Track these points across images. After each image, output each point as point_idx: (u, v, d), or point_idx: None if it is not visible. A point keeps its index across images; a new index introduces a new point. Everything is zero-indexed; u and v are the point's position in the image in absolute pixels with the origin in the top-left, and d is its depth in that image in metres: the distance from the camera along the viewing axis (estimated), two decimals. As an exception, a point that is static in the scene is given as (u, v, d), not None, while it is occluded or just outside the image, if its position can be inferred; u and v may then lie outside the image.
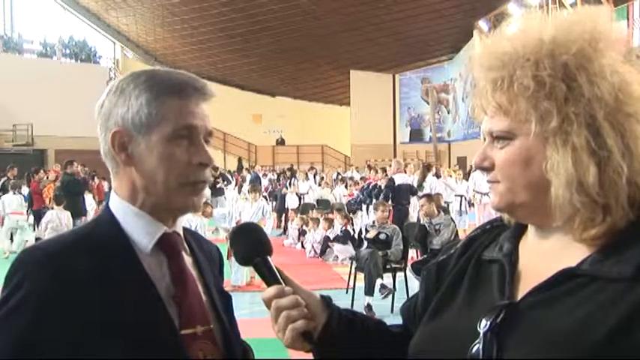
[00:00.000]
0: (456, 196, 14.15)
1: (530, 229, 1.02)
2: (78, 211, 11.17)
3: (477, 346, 0.90)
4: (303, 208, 14.62)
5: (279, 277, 1.09)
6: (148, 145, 1.08)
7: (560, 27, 0.95)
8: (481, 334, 0.91)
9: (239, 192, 17.26)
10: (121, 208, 1.12)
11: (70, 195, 10.91)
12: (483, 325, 0.91)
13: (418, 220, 9.88)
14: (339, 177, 21.07)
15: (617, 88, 0.91)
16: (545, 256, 0.96)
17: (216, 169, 15.93)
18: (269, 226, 9.94)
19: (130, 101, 1.09)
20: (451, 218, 8.65)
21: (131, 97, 1.09)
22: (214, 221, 10.76)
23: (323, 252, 11.53)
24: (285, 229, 14.66)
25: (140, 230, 1.10)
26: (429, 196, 8.70)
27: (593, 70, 0.91)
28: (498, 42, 0.99)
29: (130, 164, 1.10)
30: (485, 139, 1.01)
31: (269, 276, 1.10)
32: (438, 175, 14.75)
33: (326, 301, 1.12)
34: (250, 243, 1.14)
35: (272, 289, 1.07)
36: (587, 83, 0.91)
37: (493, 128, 0.97)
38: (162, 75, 1.13)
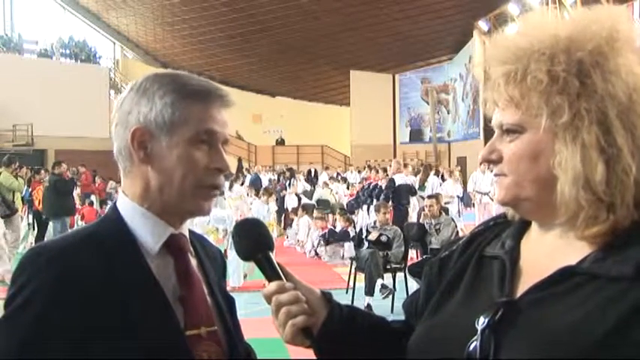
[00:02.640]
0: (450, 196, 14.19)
1: (534, 226, 1.02)
2: (67, 210, 11.17)
3: (475, 344, 0.90)
4: (303, 208, 14.60)
5: (280, 272, 1.09)
6: (168, 145, 1.09)
7: (578, 24, 0.95)
8: (478, 332, 0.90)
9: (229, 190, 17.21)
10: (129, 208, 1.12)
11: (59, 194, 10.92)
12: (481, 322, 0.91)
13: (418, 220, 9.87)
14: (339, 177, 21.07)
15: (631, 88, 0.90)
16: (546, 253, 0.96)
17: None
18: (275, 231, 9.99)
19: (154, 100, 1.10)
20: (452, 218, 8.64)
21: (155, 97, 1.10)
22: (213, 221, 10.78)
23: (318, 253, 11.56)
24: (285, 230, 14.65)
25: (147, 231, 1.10)
26: (437, 196, 8.67)
27: (609, 69, 0.91)
28: (512, 36, 0.99)
29: (147, 163, 1.10)
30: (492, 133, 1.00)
31: (270, 272, 1.10)
32: (443, 177, 14.74)
33: (326, 297, 1.12)
34: (252, 238, 1.14)
35: (273, 285, 1.07)
36: (601, 80, 0.90)
37: (503, 121, 0.97)
38: (188, 79, 1.14)
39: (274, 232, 9.63)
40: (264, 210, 9.46)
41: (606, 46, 0.92)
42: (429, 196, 8.68)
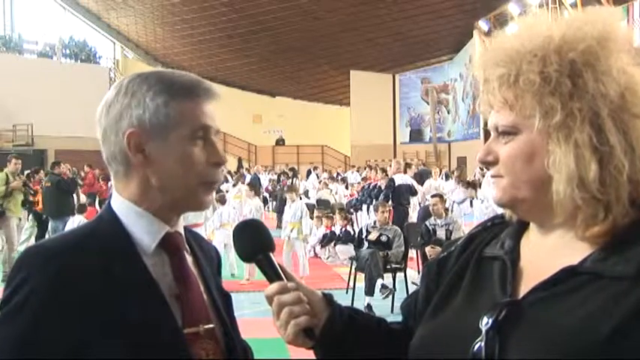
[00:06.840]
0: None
1: (532, 226, 1.02)
2: (69, 209, 11.16)
3: (479, 344, 0.90)
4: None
5: (282, 273, 1.09)
6: (166, 145, 1.09)
7: (571, 26, 0.95)
8: (483, 332, 0.90)
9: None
10: (124, 207, 1.12)
11: (61, 194, 10.90)
12: (485, 322, 0.91)
13: (418, 220, 9.87)
14: (339, 177, 21.10)
15: (623, 87, 0.91)
16: (547, 253, 0.96)
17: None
18: (306, 225, 9.78)
19: (145, 102, 1.10)
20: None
21: (146, 99, 1.10)
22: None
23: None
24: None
25: (143, 229, 1.11)
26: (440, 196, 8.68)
27: (600, 69, 0.92)
28: (507, 39, 1.00)
29: (146, 165, 1.10)
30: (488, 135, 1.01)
31: (271, 272, 1.10)
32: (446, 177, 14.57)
33: (327, 298, 1.12)
34: (253, 239, 1.14)
35: (275, 285, 1.07)
36: (593, 80, 0.91)
37: (498, 123, 0.98)
38: (173, 76, 1.14)
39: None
40: (297, 211, 9.35)
41: (597, 46, 0.93)
42: (433, 195, 8.67)
